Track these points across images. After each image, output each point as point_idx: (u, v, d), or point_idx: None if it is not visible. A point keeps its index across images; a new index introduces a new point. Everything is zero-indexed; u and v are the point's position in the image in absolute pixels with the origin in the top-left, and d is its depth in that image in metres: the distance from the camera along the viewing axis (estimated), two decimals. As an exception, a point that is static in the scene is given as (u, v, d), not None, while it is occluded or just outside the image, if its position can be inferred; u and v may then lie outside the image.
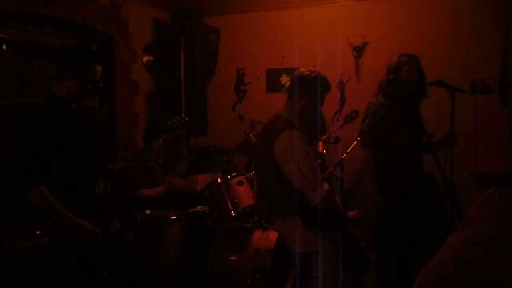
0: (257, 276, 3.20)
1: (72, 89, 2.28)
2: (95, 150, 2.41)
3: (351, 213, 2.73)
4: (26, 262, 2.82)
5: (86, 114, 2.71)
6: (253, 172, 3.45)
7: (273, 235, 3.30)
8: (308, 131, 2.58)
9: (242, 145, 4.25)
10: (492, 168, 4.01)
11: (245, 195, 3.57)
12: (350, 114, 4.05)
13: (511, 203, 0.96)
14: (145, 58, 4.99)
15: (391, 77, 2.97)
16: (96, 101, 2.58)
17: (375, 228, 3.26)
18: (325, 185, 2.45)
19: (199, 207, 3.88)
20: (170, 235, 3.36)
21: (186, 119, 3.40)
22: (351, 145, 3.80)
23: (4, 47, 3.66)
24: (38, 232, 2.40)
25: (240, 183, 3.58)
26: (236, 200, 3.51)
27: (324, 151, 3.98)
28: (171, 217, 3.39)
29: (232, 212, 3.49)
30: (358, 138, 3.31)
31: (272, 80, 5.30)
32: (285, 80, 5.19)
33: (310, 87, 2.53)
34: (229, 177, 3.61)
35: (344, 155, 3.83)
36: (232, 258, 3.33)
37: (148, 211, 3.50)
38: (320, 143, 3.75)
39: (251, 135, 4.01)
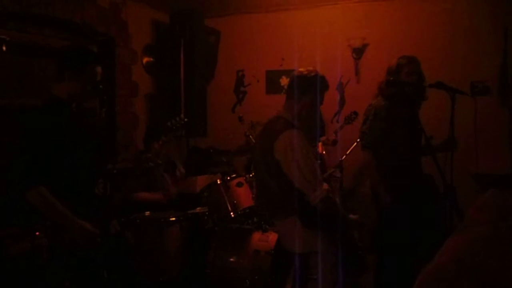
0: (256, 277, 3.19)
1: (72, 89, 2.29)
2: (95, 150, 2.41)
3: (352, 216, 2.73)
4: (26, 262, 2.81)
5: (86, 115, 2.71)
6: (253, 174, 3.45)
7: (272, 237, 3.30)
8: (308, 131, 2.58)
9: (242, 147, 4.26)
10: (493, 169, 4.01)
11: (244, 196, 3.56)
12: (349, 115, 4.06)
13: (510, 206, 0.97)
14: (145, 59, 4.99)
15: (391, 79, 2.97)
16: (96, 102, 2.58)
17: (374, 230, 3.27)
18: (325, 185, 2.45)
19: (198, 208, 3.88)
20: (169, 236, 3.35)
21: (186, 120, 3.40)
22: (350, 147, 3.81)
23: (4, 48, 3.66)
24: (37, 233, 2.39)
25: (239, 185, 3.58)
26: (235, 202, 3.51)
27: (324, 152, 3.99)
28: (171, 219, 3.39)
29: (232, 213, 3.49)
30: (358, 140, 3.32)
31: (272, 81, 5.31)
32: (285, 81, 5.19)
33: (310, 87, 2.52)
34: (228, 178, 3.60)
35: (344, 156, 3.84)
36: (232, 259, 3.33)
37: (147, 212, 3.49)
38: (320, 144, 3.76)
39: (250, 136, 4.02)
